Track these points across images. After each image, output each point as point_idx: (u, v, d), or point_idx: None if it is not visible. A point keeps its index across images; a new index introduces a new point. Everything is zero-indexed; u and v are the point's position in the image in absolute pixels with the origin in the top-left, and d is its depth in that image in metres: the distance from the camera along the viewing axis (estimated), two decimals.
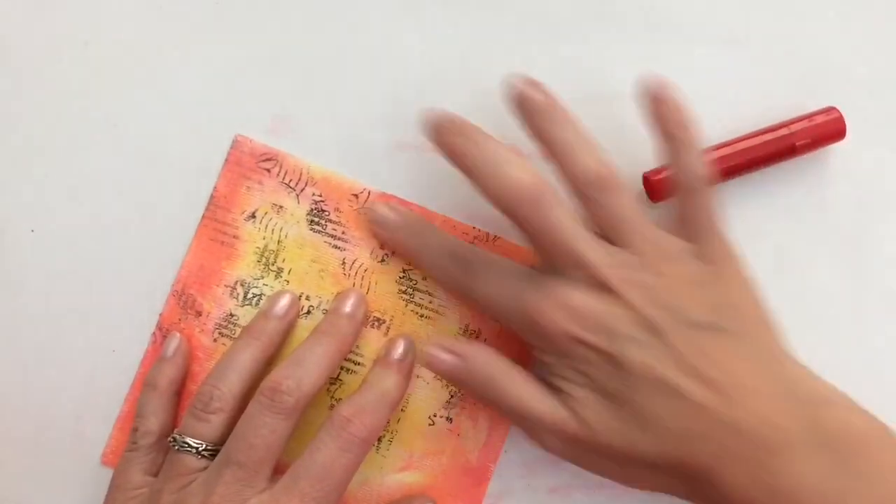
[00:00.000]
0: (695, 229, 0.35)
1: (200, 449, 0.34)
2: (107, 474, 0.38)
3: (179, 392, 0.38)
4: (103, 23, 0.40)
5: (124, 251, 0.39)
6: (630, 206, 0.34)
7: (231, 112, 0.40)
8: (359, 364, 0.39)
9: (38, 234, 0.40)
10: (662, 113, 0.35)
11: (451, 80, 0.40)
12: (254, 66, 0.40)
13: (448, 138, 0.35)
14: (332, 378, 0.38)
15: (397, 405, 0.37)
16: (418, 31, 0.40)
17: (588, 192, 0.34)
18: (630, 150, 0.39)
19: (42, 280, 0.39)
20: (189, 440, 0.35)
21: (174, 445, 0.35)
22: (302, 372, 0.34)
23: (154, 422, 0.37)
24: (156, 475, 0.36)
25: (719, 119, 0.39)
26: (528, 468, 0.39)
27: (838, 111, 0.39)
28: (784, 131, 0.38)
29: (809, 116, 0.39)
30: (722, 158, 0.38)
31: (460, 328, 0.39)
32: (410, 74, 0.40)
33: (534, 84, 0.35)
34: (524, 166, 0.34)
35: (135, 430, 0.37)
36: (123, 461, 0.37)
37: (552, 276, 0.34)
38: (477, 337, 0.39)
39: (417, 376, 0.38)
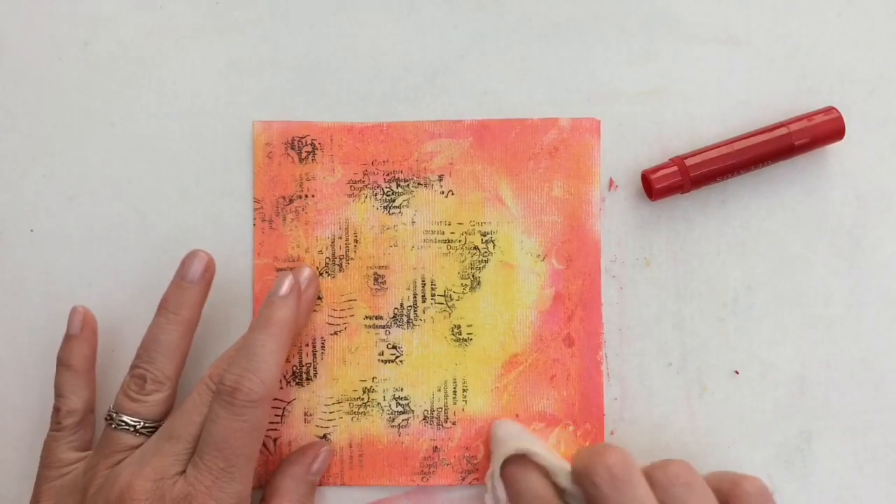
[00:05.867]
0: None
1: (138, 427, 0.35)
2: None
3: (93, 366, 0.38)
4: (103, 23, 0.40)
5: (124, 251, 0.39)
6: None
7: (230, 112, 0.40)
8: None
9: (38, 234, 0.40)
10: None
11: (450, 79, 0.40)
12: (253, 67, 0.40)
13: None
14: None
15: (285, 354, 0.35)
16: (418, 31, 0.40)
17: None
18: (630, 149, 0.39)
19: (42, 280, 0.39)
20: (126, 418, 0.35)
21: (111, 424, 0.35)
22: (260, 372, 0.34)
23: (76, 400, 0.37)
24: (85, 450, 0.37)
25: (719, 118, 0.39)
26: None
27: (837, 111, 0.39)
28: (783, 130, 0.38)
29: (808, 116, 0.39)
30: (722, 157, 0.38)
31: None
32: (411, 74, 0.40)
33: None
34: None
35: (57, 409, 0.37)
36: (50, 440, 0.37)
37: None
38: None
39: None
